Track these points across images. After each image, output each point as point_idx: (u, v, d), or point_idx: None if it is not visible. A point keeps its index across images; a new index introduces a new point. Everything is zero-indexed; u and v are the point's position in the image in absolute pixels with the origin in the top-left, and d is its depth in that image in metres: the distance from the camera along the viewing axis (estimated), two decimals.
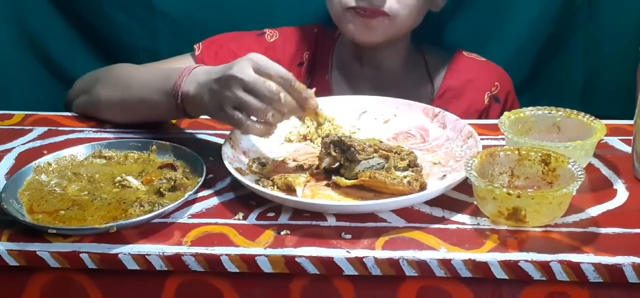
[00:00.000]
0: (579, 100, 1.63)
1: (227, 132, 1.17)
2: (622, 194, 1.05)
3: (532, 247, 0.92)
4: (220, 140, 1.17)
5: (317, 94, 1.22)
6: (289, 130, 1.24)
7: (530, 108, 1.16)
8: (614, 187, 1.07)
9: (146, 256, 0.93)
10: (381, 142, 1.13)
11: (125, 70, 1.34)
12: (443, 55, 1.54)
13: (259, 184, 1.05)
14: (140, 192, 1.05)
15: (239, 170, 1.08)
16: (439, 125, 1.23)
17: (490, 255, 0.91)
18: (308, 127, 1.24)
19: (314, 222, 0.99)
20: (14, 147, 1.22)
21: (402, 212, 1.00)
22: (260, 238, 0.95)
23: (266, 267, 0.93)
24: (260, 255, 0.92)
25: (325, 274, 0.93)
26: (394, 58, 1.48)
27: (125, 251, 0.94)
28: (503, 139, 1.17)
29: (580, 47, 1.62)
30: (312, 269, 0.92)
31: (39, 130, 1.29)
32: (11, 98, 1.60)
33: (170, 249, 0.94)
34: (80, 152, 1.16)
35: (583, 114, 1.14)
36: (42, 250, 0.94)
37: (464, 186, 1.03)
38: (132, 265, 0.94)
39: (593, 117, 1.13)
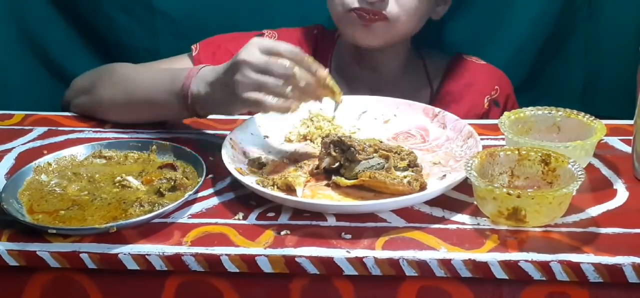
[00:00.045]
0: (579, 100, 1.63)
1: (227, 132, 1.17)
2: (622, 194, 1.05)
3: (532, 247, 0.92)
4: (220, 140, 1.17)
5: None
6: (289, 130, 1.24)
7: (530, 108, 1.16)
8: (614, 187, 1.07)
9: (146, 256, 0.93)
10: (381, 142, 1.13)
11: (127, 71, 1.34)
12: (442, 58, 1.54)
13: (259, 184, 1.05)
14: (140, 192, 1.05)
15: (239, 170, 1.08)
16: (439, 125, 1.23)
17: (490, 255, 0.91)
18: (308, 127, 1.24)
19: (314, 222, 0.99)
20: (14, 147, 1.22)
21: (402, 212, 1.00)
22: (260, 238, 0.95)
23: (266, 267, 0.93)
24: (260, 255, 0.92)
25: (325, 274, 0.93)
26: (393, 61, 1.48)
27: (125, 251, 0.94)
28: (503, 139, 1.17)
29: (580, 47, 1.62)
30: (312, 269, 0.92)
31: (39, 130, 1.29)
32: (11, 98, 1.60)
33: (170, 249, 0.94)
34: (80, 152, 1.16)
35: (583, 114, 1.14)
36: (42, 250, 0.94)
37: (464, 186, 1.03)
38: (132, 265, 0.94)
39: (593, 117, 1.13)
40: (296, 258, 0.92)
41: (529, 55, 1.64)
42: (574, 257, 0.90)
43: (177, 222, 1.00)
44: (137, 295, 0.97)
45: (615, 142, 1.20)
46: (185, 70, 1.18)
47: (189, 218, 1.01)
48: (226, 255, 0.93)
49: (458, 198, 1.04)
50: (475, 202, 1.01)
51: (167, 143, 1.16)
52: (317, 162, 1.11)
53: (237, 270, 0.93)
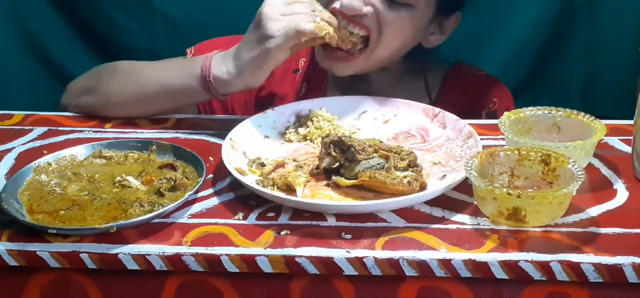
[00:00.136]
0: (579, 100, 1.63)
1: (227, 132, 1.17)
2: (622, 194, 1.05)
3: (532, 247, 0.92)
4: (220, 140, 1.17)
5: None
6: (289, 130, 1.24)
7: (530, 108, 1.16)
8: (614, 187, 1.07)
9: (146, 256, 0.93)
10: (381, 142, 1.13)
11: (133, 64, 1.35)
12: (442, 67, 1.50)
13: (259, 184, 1.05)
14: (140, 192, 1.05)
15: (239, 170, 1.08)
16: (439, 125, 1.23)
17: (490, 255, 0.91)
18: (308, 127, 1.24)
19: (314, 222, 0.99)
20: (14, 147, 1.22)
21: (402, 212, 1.00)
22: (260, 238, 0.95)
23: (266, 267, 0.93)
24: (260, 255, 0.92)
25: (325, 274, 0.93)
26: (388, 75, 1.44)
27: (125, 251, 0.94)
28: (503, 139, 1.17)
29: (580, 47, 1.62)
30: (312, 269, 0.92)
31: (39, 130, 1.29)
32: (11, 98, 1.61)
33: (170, 249, 0.94)
34: (80, 152, 1.16)
35: (583, 114, 1.14)
36: (42, 250, 0.94)
37: (464, 186, 1.03)
38: (132, 265, 0.94)
39: (593, 117, 1.13)
40: (296, 258, 0.92)
41: (529, 55, 1.64)
42: (574, 257, 0.90)
43: (177, 222, 1.00)
44: (137, 295, 0.97)
45: (615, 142, 1.20)
46: (198, 58, 1.23)
47: (189, 218, 1.01)
48: (226, 255, 0.93)
49: (458, 198, 1.04)
50: (475, 202, 1.01)
51: (167, 143, 1.16)
52: (317, 162, 1.11)
53: (237, 270, 0.93)
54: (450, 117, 1.22)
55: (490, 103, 1.46)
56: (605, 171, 1.11)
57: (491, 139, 1.21)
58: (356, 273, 0.92)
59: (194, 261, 0.93)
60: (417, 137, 1.22)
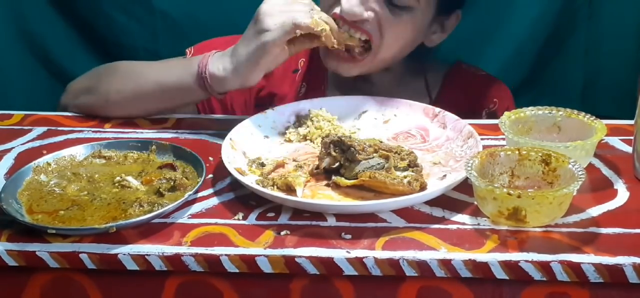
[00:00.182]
0: (579, 100, 1.63)
1: (227, 132, 1.17)
2: (622, 194, 1.05)
3: (532, 247, 0.92)
4: (220, 140, 1.16)
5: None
6: (289, 130, 1.24)
7: (530, 108, 1.16)
8: (615, 187, 1.07)
9: (146, 256, 0.93)
10: (381, 142, 1.13)
11: (132, 64, 1.35)
12: (442, 67, 1.50)
13: (259, 184, 1.04)
14: (140, 192, 1.05)
15: (239, 170, 1.08)
16: (439, 125, 1.23)
17: (490, 255, 0.91)
18: (308, 127, 1.24)
19: (314, 222, 0.99)
20: (13, 147, 1.22)
21: (402, 212, 1.00)
22: (260, 238, 0.95)
23: (266, 267, 0.92)
24: (260, 255, 0.92)
25: (325, 274, 0.93)
26: (389, 76, 1.44)
27: (125, 251, 0.94)
28: (503, 139, 1.17)
29: (580, 47, 1.62)
30: (312, 269, 0.92)
31: (39, 130, 1.29)
32: (11, 98, 1.61)
33: (170, 249, 0.94)
34: (79, 152, 1.16)
35: (583, 113, 1.14)
36: (42, 250, 0.94)
37: (464, 186, 1.03)
38: (131, 265, 0.94)
39: (593, 117, 1.13)
40: (296, 259, 0.92)
41: (529, 55, 1.64)
42: (574, 257, 0.90)
43: (177, 222, 1.00)
44: (137, 295, 0.97)
45: (615, 142, 1.20)
46: (196, 57, 1.23)
47: (188, 218, 1.01)
48: (226, 255, 0.92)
49: (458, 198, 1.04)
50: (475, 202, 1.01)
51: (167, 143, 1.16)
52: (317, 162, 1.11)
53: (237, 270, 0.93)
54: (450, 117, 1.22)
55: (491, 103, 1.46)
56: (605, 171, 1.11)
57: (491, 138, 1.21)
58: (356, 274, 0.92)
59: (193, 261, 0.93)
60: (417, 137, 1.22)
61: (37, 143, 1.24)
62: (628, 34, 1.56)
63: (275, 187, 1.05)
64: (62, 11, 1.66)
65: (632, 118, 1.09)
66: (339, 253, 0.92)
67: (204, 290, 0.95)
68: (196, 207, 1.03)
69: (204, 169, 1.07)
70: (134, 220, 0.97)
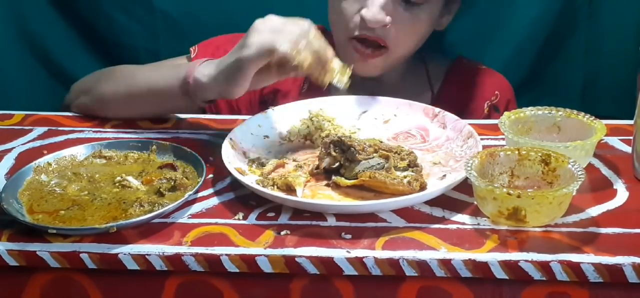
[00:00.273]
0: (579, 100, 1.63)
1: (227, 132, 1.17)
2: (622, 194, 1.05)
3: (532, 247, 0.92)
4: (220, 140, 1.17)
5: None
6: (289, 130, 1.24)
7: (530, 108, 1.16)
8: (614, 187, 1.07)
9: (146, 256, 0.93)
10: (381, 142, 1.13)
11: (129, 68, 1.35)
12: (444, 62, 1.52)
13: (259, 184, 1.05)
14: (140, 192, 1.05)
15: (239, 170, 1.08)
16: (439, 125, 1.23)
17: (490, 255, 0.91)
18: (308, 127, 1.24)
19: (314, 222, 0.99)
20: (14, 147, 1.22)
21: (402, 212, 1.00)
22: (260, 238, 0.95)
23: (266, 267, 0.93)
24: (260, 255, 0.92)
25: (325, 274, 0.93)
26: (394, 71, 1.47)
27: (125, 251, 0.94)
28: (503, 139, 1.17)
29: (580, 47, 1.62)
30: (312, 269, 0.92)
31: (39, 130, 1.29)
32: (11, 98, 1.61)
33: (170, 249, 0.94)
34: (80, 152, 1.16)
35: (583, 114, 1.14)
36: (42, 250, 0.94)
37: (464, 186, 1.03)
38: (132, 265, 0.94)
39: (593, 117, 1.13)
40: (296, 258, 0.92)
41: (529, 55, 1.64)
42: (574, 257, 0.90)
43: (177, 222, 1.00)
44: (137, 295, 0.97)
45: (615, 142, 1.20)
46: (190, 63, 1.21)
47: (189, 218, 1.01)
48: (226, 255, 0.93)
49: (458, 198, 1.04)
50: (475, 202, 1.01)
51: (167, 143, 1.16)
52: (317, 162, 1.11)
53: (237, 270, 0.93)
54: (450, 117, 1.22)
55: (492, 95, 1.48)
56: (605, 171, 1.11)
57: (491, 138, 1.21)
58: (356, 273, 0.92)
59: (194, 261, 0.93)
60: (417, 137, 1.22)
61: (38, 143, 1.24)
62: (628, 34, 1.56)
63: (275, 187, 1.05)
64: (62, 11, 1.66)
65: (631, 118, 1.09)
66: (339, 253, 0.92)
67: (204, 290, 0.95)
68: (196, 207, 1.03)
69: (204, 169, 1.07)
70: (134, 220, 0.97)
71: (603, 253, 0.91)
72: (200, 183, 1.04)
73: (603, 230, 0.96)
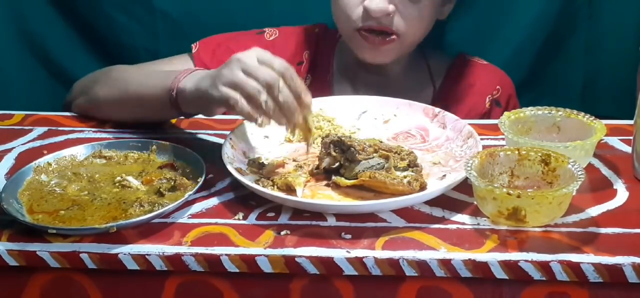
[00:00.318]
0: (579, 100, 1.63)
1: (227, 132, 1.17)
2: (622, 194, 1.05)
3: (532, 247, 0.92)
4: (220, 140, 1.17)
5: (319, 96, 1.22)
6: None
7: (530, 108, 1.16)
8: (614, 187, 1.07)
9: (146, 256, 0.93)
10: (381, 142, 1.13)
11: (124, 71, 1.35)
12: (445, 58, 1.54)
13: (259, 184, 1.04)
14: (140, 192, 1.05)
15: (239, 170, 1.08)
16: (439, 125, 1.23)
17: (490, 255, 0.91)
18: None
19: (314, 222, 0.99)
20: (14, 147, 1.22)
21: (402, 212, 1.00)
22: (260, 238, 0.95)
23: (266, 267, 0.93)
24: (260, 255, 0.92)
25: (325, 274, 0.93)
26: (396, 63, 1.48)
27: (125, 251, 0.94)
28: (503, 139, 1.17)
29: (580, 47, 1.62)
30: (312, 269, 0.92)
31: (39, 130, 1.29)
32: (11, 98, 1.61)
33: (170, 249, 0.94)
34: (80, 152, 1.16)
35: (583, 114, 1.14)
36: (42, 250, 0.94)
37: (464, 186, 1.03)
38: (132, 265, 0.94)
39: (593, 117, 1.13)
40: (296, 258, 0.92)
41: (529, 55, 1.64)
42: (574, 257, 0.90)
43: (177, 222, 1.00)
44: (137, 295, 0.97)
45: (615, 142, 1.20)
46: (181, 70, 1.17)
47: (189, 218, 1.01)
48: (226, 255, 0.93)
49: (458, 198, 1.04)
50: (475, 202, 1.01)
51: (167, 143, 1.16)
52: (317, 162, 1.11)
53: (237, 270, 0.93)
54: (450, 117, 1.22)
55: (494, 90, 1.49)
56: (605, 171, 1.11)
57: (491, 138, 1.21)
58: (356, 273, 0.92)
59: (194, 261, 0.93)
60: (417, 137, 1.22)
61: (38, 143, 1.24)
62: (628, 34, 1.56)
63: (275, 187, 1.05)
64: (62, 11, 1.66)
65: (631, 118, 1.09)
66: (339, 253, 0.92)
67: (204, 290, 0.95)
68: (196, 207, 1.03)
69: (204, 169, 1.07)
70: (134, 220, 0.97)
71: (603, 253, 0.91)
72: (200, 183, 1.04)
73: (603, 230, 0.96)
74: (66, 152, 1.15)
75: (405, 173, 1.05)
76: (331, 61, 1.51)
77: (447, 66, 1.52)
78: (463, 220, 0.99)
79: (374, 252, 0.92)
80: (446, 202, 1.02)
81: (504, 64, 1.56)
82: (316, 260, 0.92)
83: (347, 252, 0.92)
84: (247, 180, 1.04)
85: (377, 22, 1.34)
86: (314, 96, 1.10)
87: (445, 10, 1.46)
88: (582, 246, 0.92)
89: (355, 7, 1.35)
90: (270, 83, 1.01)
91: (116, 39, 1.65)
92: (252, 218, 1.00)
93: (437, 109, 1.25)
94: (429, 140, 1.21)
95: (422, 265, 0.91)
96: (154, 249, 0.94)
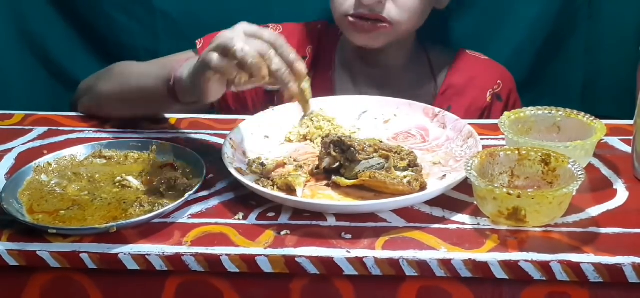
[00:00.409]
0: (579, 100, 1.63)
1: (227, 132, 1.17)
2: (622, 194, 1.05)
3: (532, 247, 0.92)
4: (220, 140, 1.17)
5: (321, 91, 1.21)
6: (289, 130, 1.24)
7: (530, 108, 1.16)
8: (614, 187, 1.07)
9: (146, 256, 0.93)
10: (381, 142, 1.13)
11: (126, 66, 1.35)
12: (446, 53, 1.55)
13: (259, 184, 1.04)
14: (140, 192, 1.05)
15: (239, 170, 1.08)
16: (439, 125, 1.23)
17: (490, 255, 0.91)
18: (308, 127, 1.24)
19: (314, 222, 0.99)
20: (14, 147, 1.22)
21: (402, 212, 1.00)
22: (260, 238, 0.95)
23: (266, 267, 0.93)
24: (260, 255, 0.92)
25: (325, 274, 0.93)
26: (397, 57, 1.49)
27: (125, 251, 0.94)
28: (503, 139, 1.17)
29: (580, 47, 1.62)
30: (312, 269, 0.92)
31: (39, 130, 1.29)
32: (11, 98, 1.61)
33: (170, 249, 0.94)
34: (80, 152, 1.16)
35: (583, 114, 1.14)
36: (42, 250, 0.94)
37: (464, 186, 1.03)
38: (132, 265, 0.94)
39: (593, 117, 1.13)
40: (296, 258, 0.92)
41: (529, 55, 1.64)
42: (574, 257, 0.90)
43: (177, 222, 1.00)
44: (137, 295, 0.97)
45: (615, 142, 1.20)
46: (181, 61, 1.17)
47: (189, 218, 1.01)
48: (226, 255, 0.93)
49: (458, 198, 1.04)
50: (475, 202, 1.01)
51: (167, 143, 1.16)
52: (317, 162, 1.11)
53: (237, 270, 0.93)
54: (450, 117, 1.22)
55: (495, 84, 1.50)
56: (605, 171, 1.11)
57: (491, 138, 1.21)
58: (356, 273, 0.92)
59: (194, 261, 0.93)
60: (417, 137, 1.22)
61: (38, 143, 1.24)
62: (628, 34, 1.56)
63: (275, 187, 1.05)
64: (62, 11, 1.66)
65: (631, 118, 1.09)
66: (339, 253, 0.92)
67: (204, 290, 0.95)
68: (196, 207, 1.03)
69: (204, 169, 1.07)
70: (134, 220, 0.97)
71: (603, 253, 0.91)
72: (200, 183, 1.04)
73: (603, 230, 0.96)
74: (66, 152, 1.15)
75: (405, 173, 1.05)
76: (333, 57, 1.52)
77: (448, 61, 1.53)
78: (463, 220, 0.99)
79: (374, 252, 0.92)
80: (446, 202, 1.03)
81: (504, 63, 1.56)
82: (316, 260, 0.92)
83: (347, 252, 0.92)
84: (247, 180, 1.04)
85: (368, 9, 1.35)
86: (316, 91, 1.10)
87: (443, 1, 1.46)
88: (582, 246, 0.92)
89: None
90: (260, 52, 1.00)
91: (116, 39, 1.65)
92: (252, 218, 1.00)
93: (437, 109, 1.25)
94: (429, 140, 1.21)
95: (422, 265, 0.91)
96: (154, 249, 0.94)
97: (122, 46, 1.65)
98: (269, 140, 1.22)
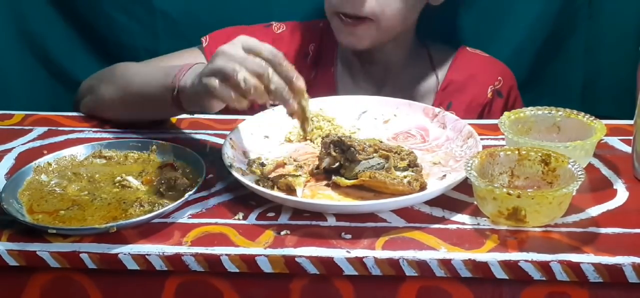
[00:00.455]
0: (579, 100, 1.63)
1: (227, 132, 1.17)
2: (622, 194, 1.05)
3: (532, 247, 0.92)
4: (220, 140, 1.17)
5: (323, 87, 1.21)
6: (289, 130, 1.24)
7: (530, 108, 1.16)
8: (614, 187, 1.07)
9: (146, 256, 0.93)
10: (381, 142, 1.13)
11: (128, 68, 1.35)
12: (447, 50, 1.55)
13: (259, 184, 1.04)
14: (140, 192, 1.05)
15: (239, 170, 1.08)
16: (439, 125, 1.23)
17: (490, 255, 0.91)
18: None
19: (314, 222, 0.99)
20: (14, 147, 1.22)
21: (402, 212, 1.00)
22: (260, 238, 0.95)
23: (266, 267, 0.93)
24: (260, 255, 0.92)
25: (325, 274, 0.93)
26: (397, 54, 1.49)
27: (125, 251, 0.94)
28: (503, 138, 1.17)
29: (580, 47, 1.62)
30: (312, 269, 0.92)
31: (39, 130, 1.29)
32: (11, 98, 1.61)
33: (170, 249, 0.94)
34: (80, 152, 1.16)
35: (583, 114, 1.14)
36: (42, 250, 0.94)
37: (464, 186, 1.03)
38: (132, 265, 0.94)
39: (593, 117, 1.13)
40: (296, 258, 0.92)
41: (529, 55, 1.64)
42: (574, 257, 0.90)
43: (177, 222, 1.00)
44: (137, 295, 0.97)
45: (615, 142, 1.20)
46: (181, 65, 1.16)
47: (189, 218, 1.01)
48: (226, 255, 0.93)
49: (458, 198, 1.04)
50: (475, 202, 1.01)
51: (167, 143, 1.16)
52: (317, 162, 1.11)
53: (237, 270, 0.93)
54: (450, 117, 1.22)
55: (496, 80, 1.50)
56: (605, 171, 1.11)
57: (491, 138, 1.21)
58: (356, 273, 0.92)
59: (194, 261, 0.93)
60: (417, 137, 1.22)
61: (38, 143, 1.24)
62: (628, 34, 1.56)
63: (275, 187, 1.05)
64: (62, 11, 1.66)
65: (631, 118, 1.09)
66: (339, 253, 0.92)
67: (204, 290, 0.95)
68: (196, 207, 1.03)
69: (204, 169, 1.07)
70: (134, 220, 0.97)
71: (603, 253, 0.91)
72: (200, 183, 1.04)
73: (603, 230, 0.96)
74: (66, 152, 1.15)
75: (405, 173, 1.05)
76: (335, 54, 1.53)
77: (449, 57, 1.54)
78: (463, 220, 0.99)
79: (374, 252, 0.92)
80: (446, 202, 1.03)
81: (504, 63, 1.56)
82: (316, 260, 0.92)
83: (347, 252, 0.92)
84: (247, 180, 1.04)
85: (352, 8, 1.35)
86: (318, 89, 1.10)
87: None
88: (582, 246, 0.92)
89: None
90: (258, 72, 1.00)
91: (116, 39, 1.65)
92: (252, 218, 1.00)
93: (437, 109, 1.25)
94: (429, 140, 1.21)
95: (422, 265, 0.91)
96: (154, 249, 0.94)
97: (122, 46, 1.65)
98: (268, 140, 1.22)
